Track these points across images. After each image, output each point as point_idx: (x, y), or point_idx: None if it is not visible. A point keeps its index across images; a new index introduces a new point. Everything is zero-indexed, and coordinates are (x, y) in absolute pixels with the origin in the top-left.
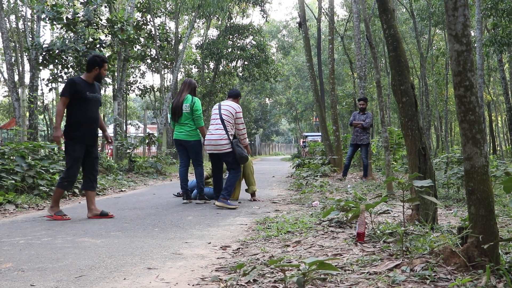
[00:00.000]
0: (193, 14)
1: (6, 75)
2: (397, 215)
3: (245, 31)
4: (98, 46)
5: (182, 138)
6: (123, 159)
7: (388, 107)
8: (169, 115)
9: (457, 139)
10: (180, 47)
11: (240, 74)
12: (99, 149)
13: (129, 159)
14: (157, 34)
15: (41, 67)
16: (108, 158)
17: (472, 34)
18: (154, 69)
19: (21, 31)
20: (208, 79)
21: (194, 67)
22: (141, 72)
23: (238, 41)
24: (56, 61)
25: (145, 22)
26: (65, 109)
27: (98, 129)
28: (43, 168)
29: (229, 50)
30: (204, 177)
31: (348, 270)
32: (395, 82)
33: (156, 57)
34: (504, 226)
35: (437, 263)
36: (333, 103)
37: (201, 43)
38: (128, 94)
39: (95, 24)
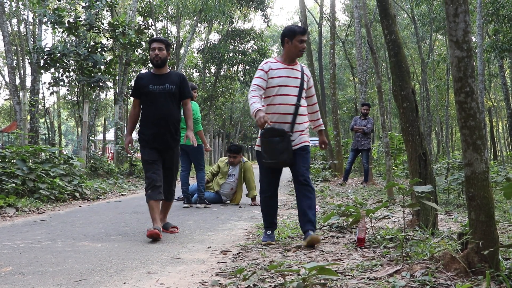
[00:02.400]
0: (195, 18)
1: (7, 79)
2: (397, 221)
3: (247, 35)
4: (99, 50)
5: (182, 142)
6: (124, 163)
7: (389, 112)
8: None
9: (458, 144)
10: (182, 51)
11: (241, 79)
12: (99, 152)
13: (130, 163)
14: None
15: (42, 71)
16: (109, 162)
17: (473, 39)
18: None
19: (22, 34)
20: (209, 83)
21: (196, 71)
22: None
23: (239, 45)
24: (58, 64)
25: (146, 26)
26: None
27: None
28: (44, 172)
29: (231, 54)
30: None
31: (348, 275)
32: (396, 87)
33: None
34: (505, 232)
35: (437, 268)
36: (334, 108)
37: (203, 47)
38: (129, 98)
39: (96, 28)
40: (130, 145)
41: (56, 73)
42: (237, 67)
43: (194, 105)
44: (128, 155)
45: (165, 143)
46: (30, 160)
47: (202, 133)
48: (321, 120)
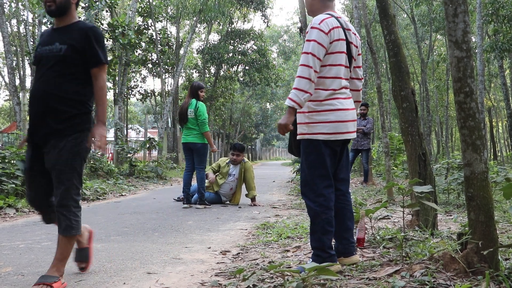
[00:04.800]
0: (194, 19)
1: (7, 79)
2: (397, 221)
3: (246, 36)
4: None
5: (190, 140)
6: (124, 164)
7: (389, 113)
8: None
9: (458, 144)
10: (181, 51)
11: (241, 79)
12: (98, 153)
13: (129, 164)
14: (158, 38)
15: None
16: (109, 162)
17: (473, 40)
18: (155, 73)
19: (22, 35)
20: (209, 83)
21: (195, 71)
22: (142, 76)
23: (239, 46)
24: None
25: (146, 26)
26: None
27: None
28: None
29: (230, 55)
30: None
31: (348, 275)
32: (396, 87)
33: (157, 61)
34: (504, 232)
35: (437, 269)
36: None
37: (202, 47)
38: (129, 99)
39: None
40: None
41: None
42: (237, 68)
43: (202, 106)
44: (128, 155)
45: (42, 136)
46: None
47: (209, 134)
48: (292, 92)
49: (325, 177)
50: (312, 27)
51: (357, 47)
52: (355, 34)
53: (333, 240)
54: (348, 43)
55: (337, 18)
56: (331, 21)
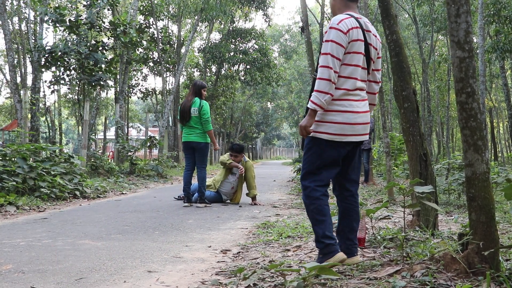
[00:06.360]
0: (196, 17)
1: (8, 77)
2: (397, 221)
3: (248, 35)
4: (100, 48)
5: (192, 139)
6: (124, 162)
7: (390, 113)
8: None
9: (459, 145)
10: (183, 50)
11: (242, 78)
12: (99, 151)
13: (130, 162)
14: (160, 37)
15: (43, 69)
16: (110, 161)
17: (475, 40)
18: (156, 72)
19: (24, 33)
20: (210, 82)
21: (196, 70)
22: (143, 75)
23: (240, 45)
24: (59, 63)
25: (147, 25)
26: None
27: None
28: (44, 170)
29: (232, 54)
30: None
31: (348, 275)
32: (397, 87)
33: (158, 60)
34: (505, 232)
35: (437, 269)
36: None
37: (204, 46)
38: (130, 97)
39: (97, 27)
40: None
41: (57, 71)
42: (238, 67)
43: (206, 105)
44: (129, 154)
45: None
46: (31, 159)
47: (212, 132)
48: (313, 94)
49: (313, 174)
50: (330, 27)
51: (376, 49)
52: (375, 36)
53: (337, 239)
54: (367, 45)
55: (357, 18)
56: (350, 21)
